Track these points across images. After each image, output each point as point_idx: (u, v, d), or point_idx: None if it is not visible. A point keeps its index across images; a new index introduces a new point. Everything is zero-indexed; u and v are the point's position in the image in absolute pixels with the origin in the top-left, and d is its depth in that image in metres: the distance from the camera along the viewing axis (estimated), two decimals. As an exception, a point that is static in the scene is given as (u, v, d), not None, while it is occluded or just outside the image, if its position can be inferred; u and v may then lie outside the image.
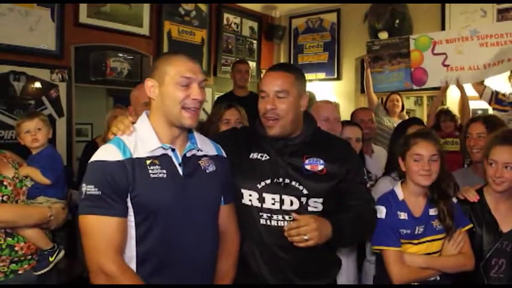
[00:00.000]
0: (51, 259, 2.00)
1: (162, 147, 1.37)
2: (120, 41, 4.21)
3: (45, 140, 2.15)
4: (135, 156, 1.33)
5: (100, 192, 1.28)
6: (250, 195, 1.59)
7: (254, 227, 1.58)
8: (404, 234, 1.72)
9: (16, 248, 1.89)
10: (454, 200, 1.82)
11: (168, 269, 1.35)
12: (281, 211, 1.57)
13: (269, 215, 1.57)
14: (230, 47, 5.46)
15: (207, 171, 1.46)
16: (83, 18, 3.94)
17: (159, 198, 1.33)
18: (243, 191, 1.60)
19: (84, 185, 1.30)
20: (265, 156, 1.61)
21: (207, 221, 1.46)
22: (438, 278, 1.73)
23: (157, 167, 1.35)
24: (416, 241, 1.73)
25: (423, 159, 1.71)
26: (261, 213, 1.58)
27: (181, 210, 1.37)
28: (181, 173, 1.39)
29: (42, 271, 1.97)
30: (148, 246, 1.33)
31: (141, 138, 1.37)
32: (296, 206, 1.57)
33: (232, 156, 1.60)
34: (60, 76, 3.78)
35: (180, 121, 1.37)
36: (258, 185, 1.58)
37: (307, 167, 1.59)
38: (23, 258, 1.92)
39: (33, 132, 2.11)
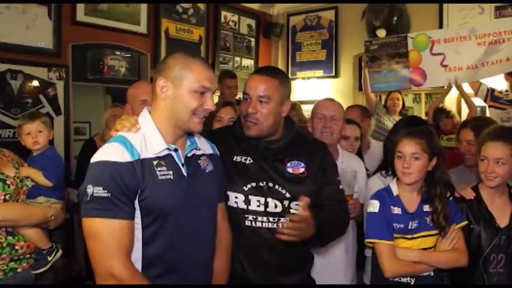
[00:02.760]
0: (49, 258, 2.00)
1: (168, 148, 1.34)
2: (117, 39, 4.20)
3: (46, 142, 2.15)
4: (142, 156, 1.29)
5: (109, 195, 1.22)
6: (236, 197, 1.62)
7: (239, 228, 1.61)
8: (398, 229, 1.74)
9: (16, 247, 1.89)
10: (451, 198, 1.82)
11: (174, 272, 1.35)
12: (265, 213, 1.61)
13: (254, 216, 1.61)
14: (228, 44, 5.45)
15: (207, 171, 1.46)
16: (80, 16, 3.93)
17: (169, 200, 1.31)
18: (229, 193, 1.62)
19: (90, 186, 1.23)
20: (249, 160, 1.64)
21: (209, 221, 1.47)
22: (432, 274, 1.74)
23: (164, 168, 1.32)
24: (409, 236, 1.75)
25: (404, 157, 1.74)
26: (246, 215, 1.61)
27: (188, 212, 1.37)
28: (185, 173, 1.37)
29: (41, 270, 1.97)
30: (155, 250, 1.31)
31: (147, 138, 1.33)
32: (279, 209, 1.61)
33: None
34: (58, 74, 3.78)
35: (189, 126, 1.36)
36: (244, 188, 1.61)
37: (289, 169, 1.64)
38: (22, 257, 1.92)
39: (34, 134, 2.10)
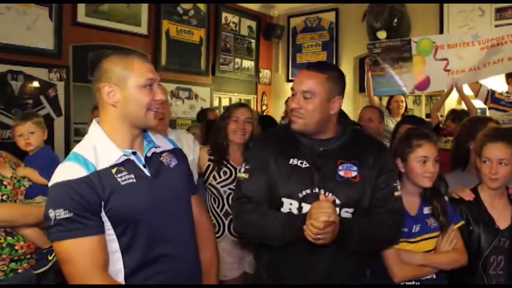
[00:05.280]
0: (50, 258, 2.00)
1: (124, 154, 1.32)
2: (118, 40, 4.21)
3: (39, 143, 2.14)
4: (99, 168, 1.27)
5: (72, 214, 1.20)
6: (290, 204, 1.54)
7: None
8: (402, 233, 1.73)
9: (16, 247, 1.89)
10: (446, 198, 1.83)
11: (159, 274, 1.33)
12: None
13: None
14: (228, 46, 5.46)
15: (171, 166, 1.44)
16: (81, 17, 3.95)
17: (136, 204, 1.29)
18: (283, 199, 1.55)
19: (51, 210, 1.21)
20: (305, 164, 1.56)
21: (184, 216, 1.46)
22: (434, 277, 1.74)
23: (124, 173, 1.30)
24: (412, 239, 1.74)
25: (429, 162, 1.72)
26: None
27: (160, 211, 1.34)
28: (148, 174, 1.34)
29: (41, 270, 1.97)
30: (136, 256, 1.29)
31: (98, 149, 1.31)
32: None
33: (271, 161, 1.57)
34: (58, 75, 3.79)
35: (146, 123, 1.35)
36: (300, 194, 1.54)
37: (341, 173, 1.54)
38: (22, 257, 1.93)
39: (26, 136, 2.10)
